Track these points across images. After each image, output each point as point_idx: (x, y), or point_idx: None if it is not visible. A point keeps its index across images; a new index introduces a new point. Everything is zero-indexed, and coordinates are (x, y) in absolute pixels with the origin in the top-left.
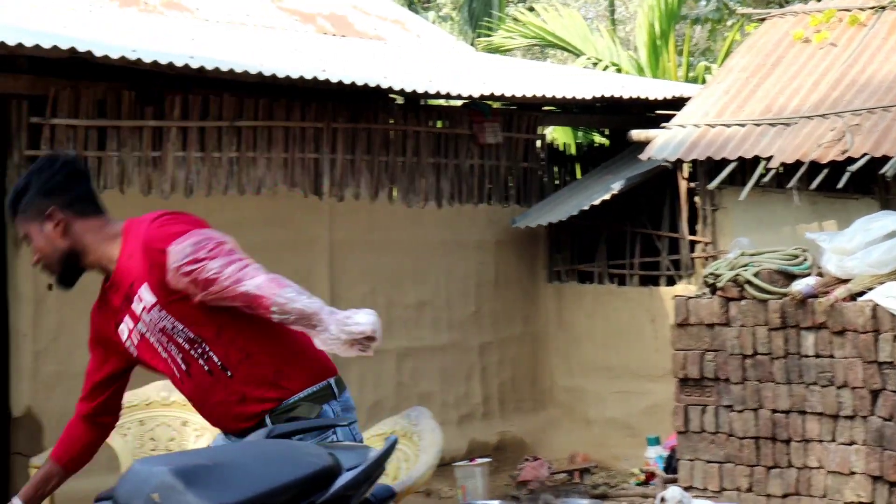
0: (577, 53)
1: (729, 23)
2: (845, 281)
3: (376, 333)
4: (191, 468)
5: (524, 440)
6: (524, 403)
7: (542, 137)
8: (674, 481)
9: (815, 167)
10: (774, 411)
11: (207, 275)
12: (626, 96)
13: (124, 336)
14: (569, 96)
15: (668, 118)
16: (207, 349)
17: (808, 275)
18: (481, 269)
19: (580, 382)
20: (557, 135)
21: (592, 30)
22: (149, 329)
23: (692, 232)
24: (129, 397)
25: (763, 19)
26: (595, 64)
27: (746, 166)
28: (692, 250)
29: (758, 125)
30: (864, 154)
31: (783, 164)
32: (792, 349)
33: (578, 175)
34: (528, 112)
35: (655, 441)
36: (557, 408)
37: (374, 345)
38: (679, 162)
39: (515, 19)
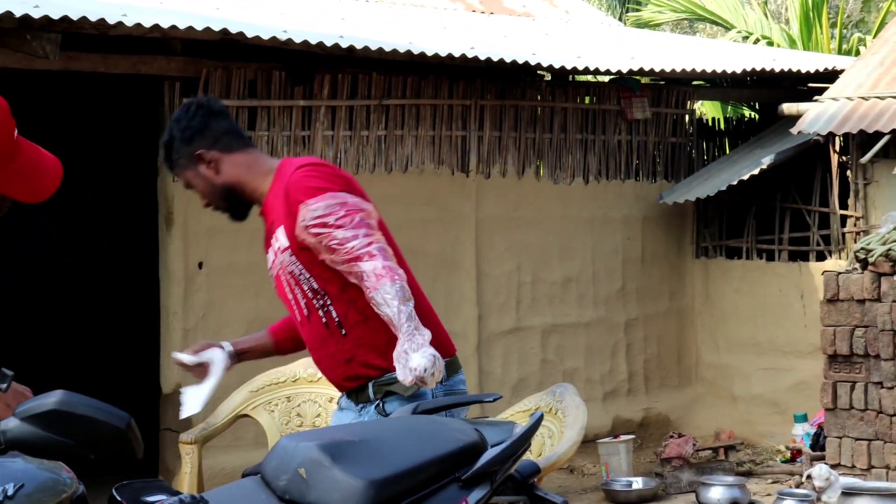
0: (728, 27)
1: None
2: None
3: (425, 380)
4: (337, 444)
5: (669, 417)
6: (669, 380)
7: (691, 112)
8: (821, 458)
9: None
10: None
11: (330, 242)
12: (776, 69)
13: (269, 264)
14: (718, 70)
15: (820, 91)
16: (328, 303)
17: None
18: (628, 245)
19: (726, 359)
20: (706, 109)
21: (743, 3)
22: (281, 268)
23: (843, 206)
24: (276, 374)
25: None
26: (745, 37)
27: None
28: (843, 225)
29: None
30: None
31: None
32: None
33: (727, 150)
34: (676, 87)
35: (802, 418)
36: (703, 384)
37: (428, 381)
38: (831, 135)
39: None
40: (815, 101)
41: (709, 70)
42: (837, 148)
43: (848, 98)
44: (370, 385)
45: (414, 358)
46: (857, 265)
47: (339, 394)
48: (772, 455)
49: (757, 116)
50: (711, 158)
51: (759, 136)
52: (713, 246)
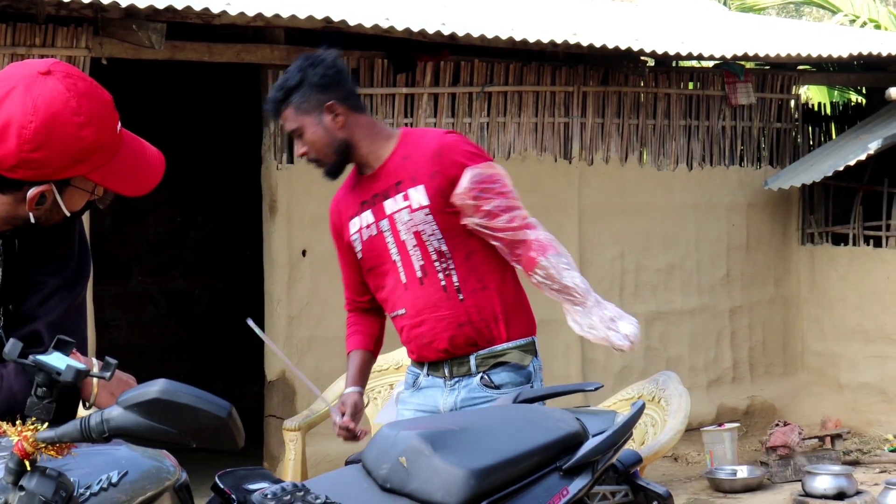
0: (834, 10)
1: None
2: None
3: (634, 348)
4: (438, 432)
5: (774, 405)
6: (775, 368)
7: (797, 97)
8: None
9: None
10: None
11: (491, 207)
12: (884, 53)
13: (353, 229)
14: (824, 54)
15: None
16: (452, 267)
17: None
18: (732, 231)
19: (833, 346)
20: (812, 94)
21: None
22: (396, 227)
23: None
24: (380, 361)
25: None
26: (852, 21)
27: None
28: None
29: None
30: None
31: None
32: None
33: (833, 135)
34: (781, 71)
35: None
36: (809, 372)
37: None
38: None
39: None
40: None
41: (814, 54)
42: None
43: None
44: (472, 357)
45: (624, 325)
46: None
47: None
48: (879, 444)
49: (864, 101)
50: (817, 144)
51: (866, 120)
52: (819, 232)
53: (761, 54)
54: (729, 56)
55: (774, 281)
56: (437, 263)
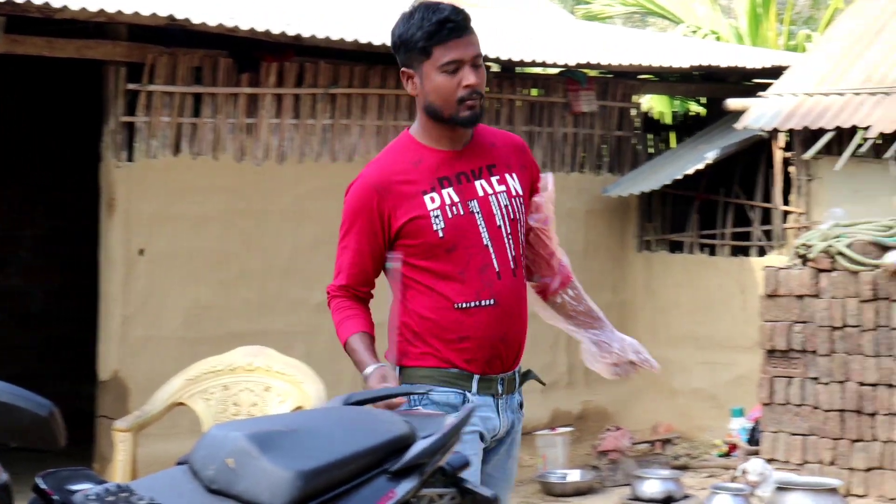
0: (677, 21)
1: None
2: None
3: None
4: (267, 434)
5: (607, 410)
6: None
7: (638, 106)
8: (756, 453)
9: None
10: (861, 384)
11: (548, 215)
12: (723, 65)
13: (430, 206)
14: (665, 65)
15: (766, 87)
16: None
17: None
18: (570, 237)
19: (666, 352)
20: (653, 103)
21: None
22: (491, 210)
23: (786, 202)
24: (214, 362)
25: None
26: (695, 32)
27: (843, 136)
28: (785, 221)
29: (857, 94)
30: None
31: (881, 134)
32: (882, 322)
33: (673, 144)
34: (624, 80)
35: (739, 413)
36: (642, 377)
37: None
38: (775, 131)
39: None
40: (761, 97)
41: (655, 64)
42: (782, 144)
43: (793, 94)
44: (515, 373)
45: (643, 349)
46: (798, 261)
47: (280, 384)
48: (708, 449)
49: (704, 111)
50: (657, 152)
51: (705, 130)
52: (656, 240)
53: (604, 63)
54: (572, 64)
55: (611, 287)
56: (522, 258)
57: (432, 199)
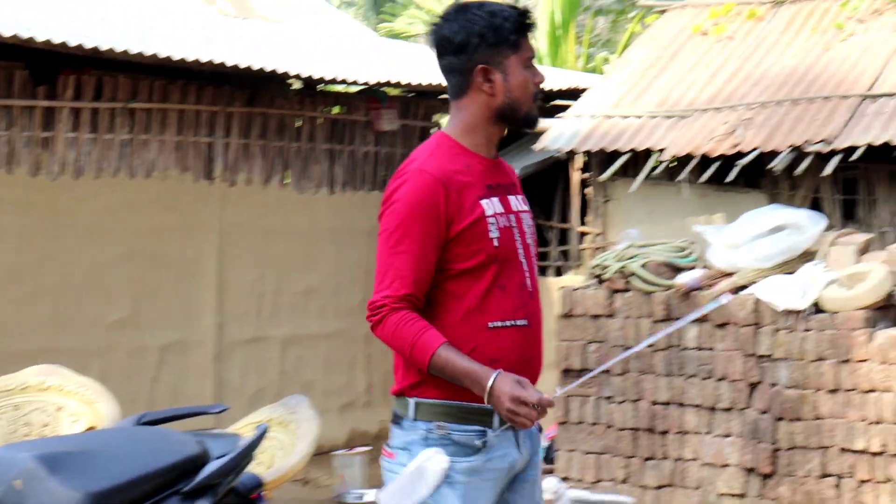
0: None
1: (631, 14)
2: (730, 274)
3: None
4: (56, 455)
5: None
6: None
7: (439, 125)
8: (551, 472)
9: (706, 160)
10: (654, 403)
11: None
12: None
13: (487, 210)
14: None
15: (564, 109)
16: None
17: (694, 267)
18: (371, 256)
19: None
20: None
21: None
22: (522, 227)
23: (583, 223)
24: (5, 381)
25: (663, 11)
26: None
27: (639, 158)
28: (581, 241)
29: (653, 117)
30: (755, 148)
31: (675, 157)
32: (674, 341)
33: None
34: (425, 100)
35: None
36: None
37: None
38: (572, 153)
39: (417, 6)
40: (559, 118)
41: None
42: (579, 165)
43: (591, 116)
44: None
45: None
46: (593, 281)
47: (72, 403)
48: None
49: (505, 132)
50: None
51: (504, 150)
52: None
53: (403, 82)
54: (373, 82)
55: None
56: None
57: (489, 206)
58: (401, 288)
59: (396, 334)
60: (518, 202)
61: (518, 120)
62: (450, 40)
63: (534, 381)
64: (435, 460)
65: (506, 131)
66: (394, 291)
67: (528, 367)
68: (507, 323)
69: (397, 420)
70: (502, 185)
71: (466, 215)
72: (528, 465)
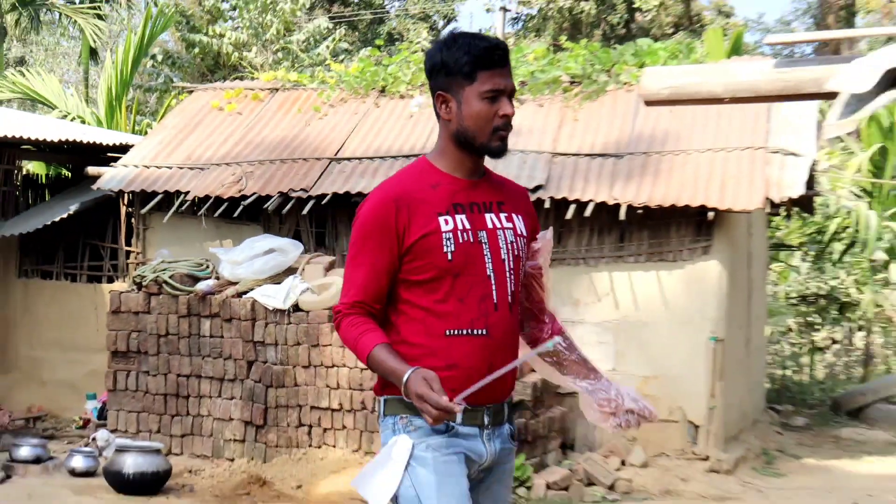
0: (53, 107)
1: (173, 92)
2: (236, 283)
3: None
4: None
5: None
6: None
7: (20, 168)
8: (104, 426)
9: (219, 201)
10: (179, 375)
11: (543, 263)
12: (86, 140)
13: (444, 227)
14: (41, 137)
15: (116, 159)
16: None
17: (209, 278)
18: None
19: (39, 353)
20: (34, 167)
21: (67, 90)
22: (497, 244)
23: (129, 244)
24: None
25: (192, 91)
26: (65, 115)
27: (171, 198)
28: (128, 258)
29: (181, 168)
30: (255, 193)
31: (196, 198)
32: (194, 331)
33: (48, 198)
34: (9, 149)
35: (93, 396)
36: (21, 372)
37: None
38: (122, 192)
39: (5, 77)
40: (112, 166)
41: (34, 137)
42: (126, 202)
43: (135, 166)
44: (505, 405)
45: (630, 393)
46: (135, 287)
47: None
48: (69, 423)
49: (70, 174)
50: (35, 204)
51: (72, 189)
52: (32, 269)
53: None
54: None
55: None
56: (520, 294)
57: (446, 222)
58: (354, 296)
59: (345, 336)
60: (499, 220)
61: (475, 148)
62: (425, 66)
63: (499, 387)
64: (399, 443)
65: (483, 157)
66: (349, 299)
67: (489, 374)
68: (464, 332)
69: (379, 417)
70: (480, 203)
71: (418, 230)
72: (494, 465)
